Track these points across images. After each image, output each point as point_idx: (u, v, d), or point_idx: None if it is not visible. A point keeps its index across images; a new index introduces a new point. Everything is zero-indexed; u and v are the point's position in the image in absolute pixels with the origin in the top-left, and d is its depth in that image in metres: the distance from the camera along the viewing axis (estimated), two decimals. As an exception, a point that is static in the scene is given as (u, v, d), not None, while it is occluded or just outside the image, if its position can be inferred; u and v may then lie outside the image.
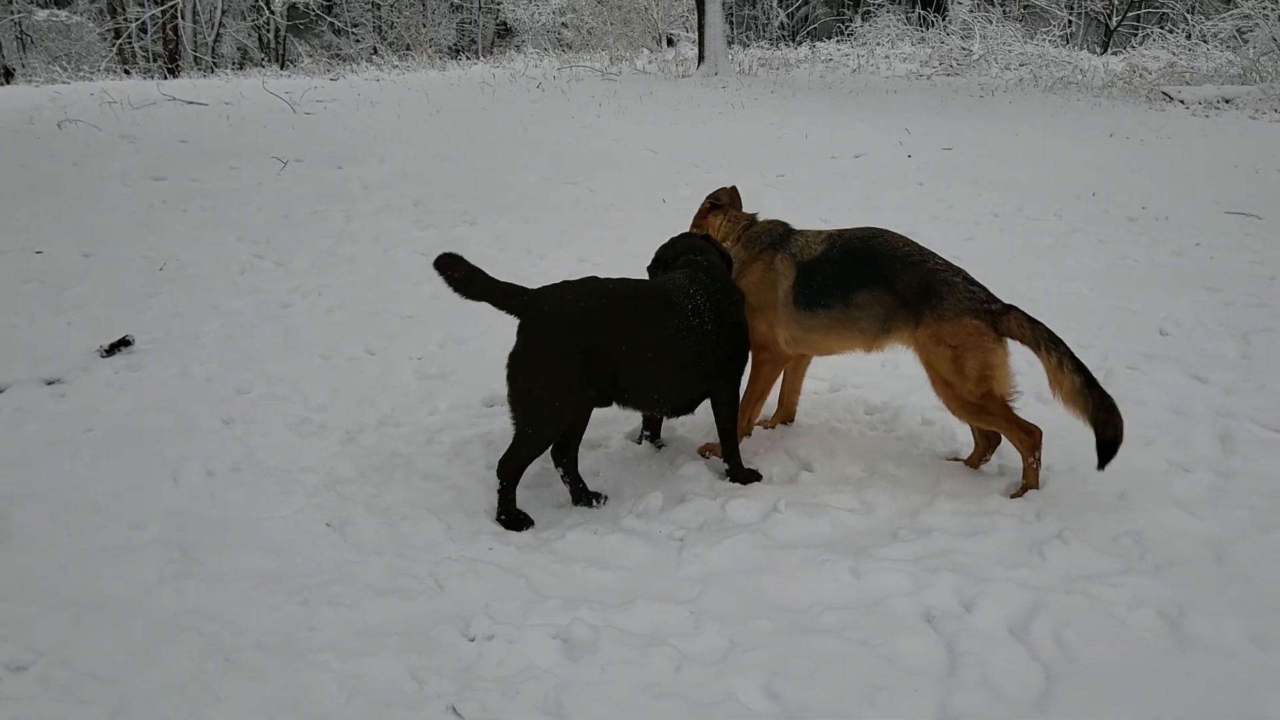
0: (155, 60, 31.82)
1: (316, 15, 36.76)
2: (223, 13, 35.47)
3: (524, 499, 3.95)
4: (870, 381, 5.10)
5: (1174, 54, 24.42)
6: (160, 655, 2.93)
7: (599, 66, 21.02)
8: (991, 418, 3.97)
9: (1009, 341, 3.93)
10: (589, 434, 4.46)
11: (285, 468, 4.10)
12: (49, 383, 4.81)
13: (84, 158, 10.13)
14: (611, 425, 4.62)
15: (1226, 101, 16.52)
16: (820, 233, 4.37)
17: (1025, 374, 4.16)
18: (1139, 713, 2.62)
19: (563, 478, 3.99)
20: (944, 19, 27.69)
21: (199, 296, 6.11)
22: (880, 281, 4.04)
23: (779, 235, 4.42)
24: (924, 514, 3.75)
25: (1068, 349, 3.80)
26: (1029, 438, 3.93)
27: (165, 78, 23.09)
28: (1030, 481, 3.95)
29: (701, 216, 4.73)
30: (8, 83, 24.64)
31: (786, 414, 4.64)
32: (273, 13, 34.17)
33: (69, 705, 2.68)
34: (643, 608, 3.16)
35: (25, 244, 6.95)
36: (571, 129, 12.56)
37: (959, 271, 4.05)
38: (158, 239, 7.29)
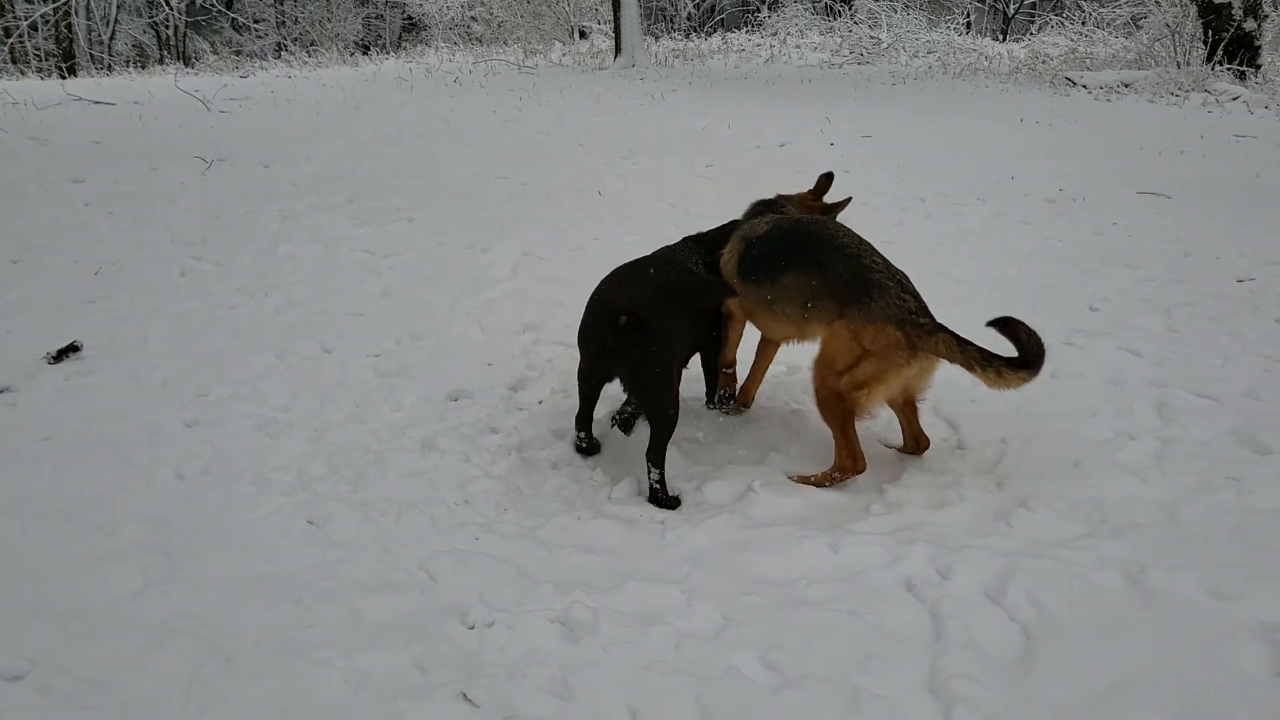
0: (49, 59, 30.75)
1: (217, 11, 35.88)
2: (118, 9, 34.40)
3: (502, 490, 4.01)
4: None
5: (1073, 40, 25.22)
6: (156, 659, 2.93)
7: (514, 60, 20.97)
8: (832, 420, 3.96)
9: (935, 361, 3.93)
10: (558, 425, 4.54)
11: (256, 468, 4.07)
12: (-3, 392, 4.71)
13: (-7, 161, 9.81)
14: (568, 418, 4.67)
15: (1126, 86, 17.15)
16: (767, 216, 4.49)
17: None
18: (1116, 665, 2.78)
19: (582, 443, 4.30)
20: (850, 8, 28.19)
21: (141, 300, 5.99)
22: (812, 266, 4.00)
23: (752, 213, 4.73)
24: (892, 489, 3.90)
25: (1001, 358, 3.80)
26: (852, 463, 3.94)
27: (62, 77, 22.35)
28: (819, 479, 3.98)
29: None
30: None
31: (745, 399, 4.73)
32: (171, 9, 33.27)
33: (74, 712, 2.67)
34: (634, 589, 3.24)
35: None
36: (495, 123, 12.54)
37: (895, 274, 3.99)
38: (87, 243, 7.12)
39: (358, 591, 3.26)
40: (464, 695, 2.75)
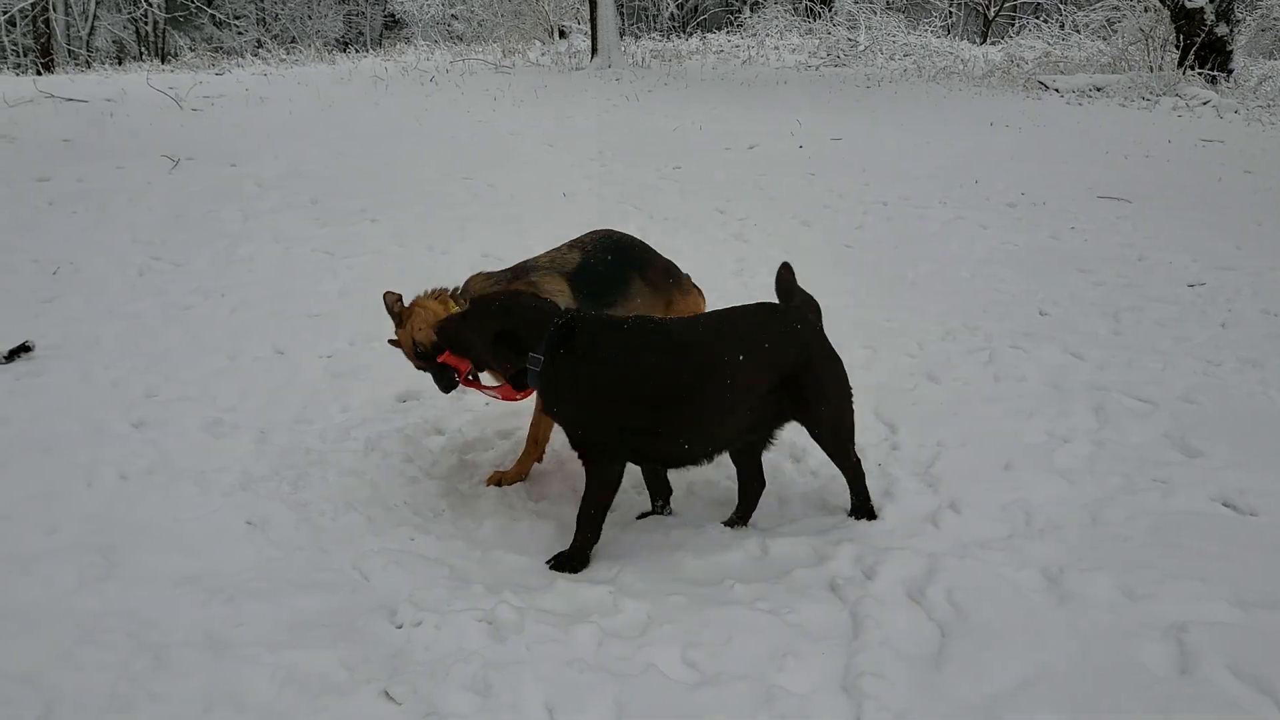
0: (26, 55, 30.60)
1: (197, 7, 35.74)
2: (97, 4, 34.26)
3: (440, 491, 4.05)
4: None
5: (1049, 44, 25.42)
6: (87, 656, 2.95)
7: (492, 59, 21.01)
8: None
9: None
10: (501, 426, 4.59)
11: (200, 469, 4.11)
12: (-53, 391, 4.73)
13: (-41, 159, 9.81)
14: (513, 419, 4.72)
15: (1098, 90, 17.30)
16: (556, 248, 4.34)
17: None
18: (1023, 662, 2.84)
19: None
20: (830, 10, 28.30)
21: (97, 300, 6.02)
22: (641, 273, 4.31)
23: (510, 271, 4.25)
24: (826, 491, 3.96)
25: None
26: None
27: (39, 73, 22.27)
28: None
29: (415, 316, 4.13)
30: None
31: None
32: (151, 5, 33.12)
33: (-1, 706, 2.70)
34: (564, 588, 3.30)
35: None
36: (467, 123, 12.58)
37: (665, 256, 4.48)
38: (48, 242, 7.14)
39: (290, 591, 3.30)
40: (386, 693, 2.79)
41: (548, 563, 3.51)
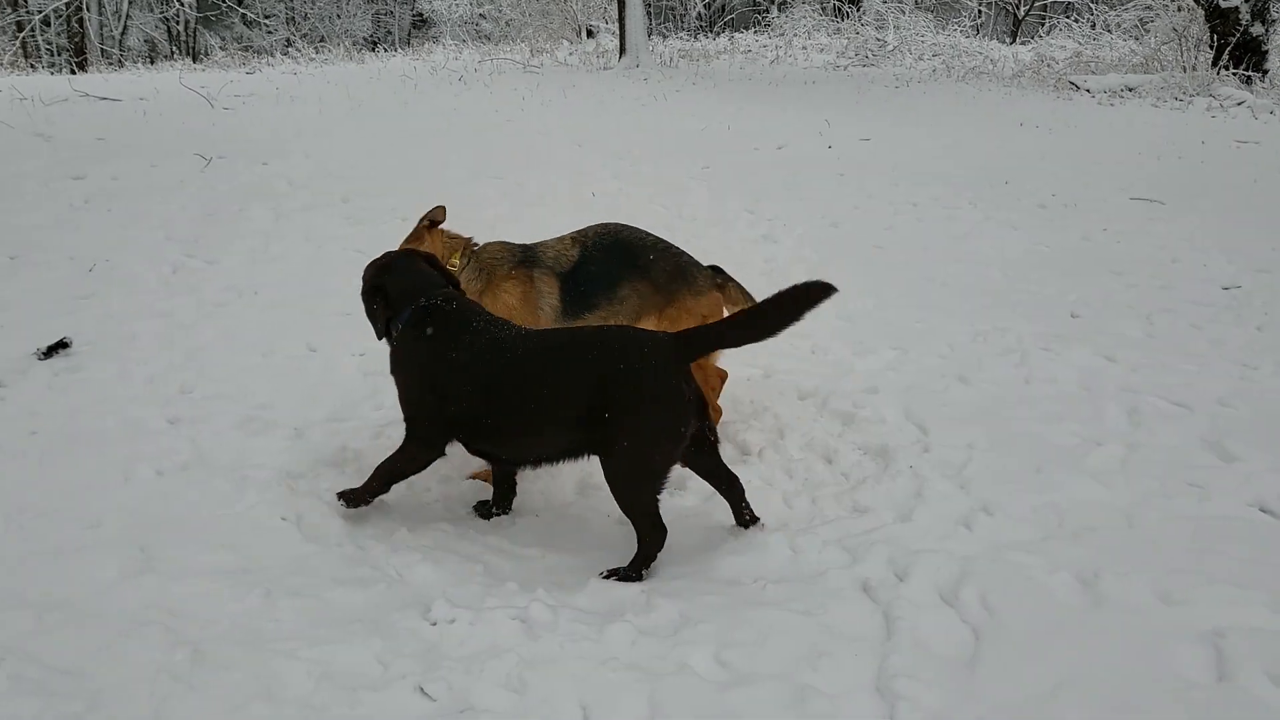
0: (61, 54, 30.95)
1: (227, 7, 36.03)
2: (129, 4, 34.61)
3: (477, 489, 4.08)
4: (801, 368, 5.30)
5: (1080, 44, 25.23)
6: (127, 650, 2.99)
7: (520, 59, 21.05)
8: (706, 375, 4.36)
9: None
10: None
11: (235, 465, 4.15)
12: (-12, 387, 4.80)
13: (-2, 157, 9.93)
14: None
15: (1130, 90, 17.16)
16: (561, 239, 4.45)
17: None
18: (1057, 665, 2.84)
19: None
20: (858, 10, 28.19)
21: (132, 297, 6.09)
22: (638, 272, 4.32)
23: (521, 253, 4.41)
24: (859, 492, 3.96)
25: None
26: (719, 378, 4.53)
27: (73, 72, 22.52)
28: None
29: (418, 237, 4.52)
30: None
31: None
32: (182, 4, 33.43)
33: (43, 699, 2.74)
34: (597, 586, 3.32)
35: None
36: (495, 123, 12.60)
37: (686, 253, 4.48)
38: (84, 239, 7.22)
39: (326, 585, 3.33)
40: (421, 689, 2.82)
41: (338, 495, 3.81)
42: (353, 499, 3.79)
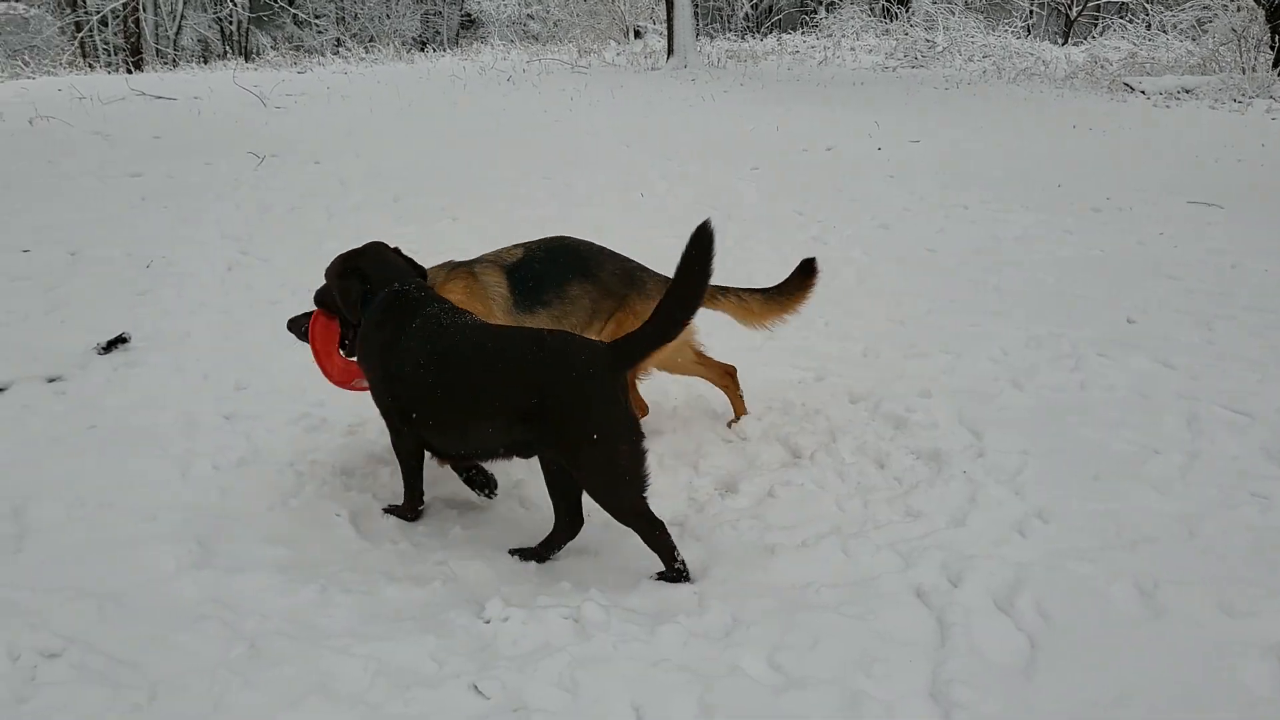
0: (117, 54, 31.48)
1: (279, 6, 36.48)
2: (184, 4, 35.14)
3: (532, 487, 4.10)
4: (853, 371, 5.26)
5: (1135, 44, 24.86)
6: (185, 641, 3.04)
7: (568, 59, 21.12)
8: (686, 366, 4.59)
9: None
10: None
11: (291, 461, 4.20)
12: (50, 380, 4.89)
13: (58, 155, 10.14)
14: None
15: (1187, 92, 16.89)
16: (504, 248, 4.51)
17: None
18: (1117, 677, 2.79)
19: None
20: (907, 11, 27.99)
21: (188, 293, 6.18)
22: (587, 275, 4.37)
23: (460, 261, 4.45)
24: (912, 497, 3.92)
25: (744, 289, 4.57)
26: (728, 374, 4.67)
27: (129, 71, 22.90)
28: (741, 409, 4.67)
29: None
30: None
31: None
32: (235, 5, 33.90)
33: (107, 689, 2.79)
34: (649, 587, 3.32)
35: (8, 243, 6.98)
36: (544, 123, 12.67)
37: (636, 261, 4.56)
38: (141, 236, 7.35)
39: (380, 581, 3.36)
40: (475, 687, 2.83)
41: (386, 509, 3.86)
42: (400, 511, 3.84)
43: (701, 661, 2.93)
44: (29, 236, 7.09)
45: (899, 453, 4.33)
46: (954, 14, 27.29)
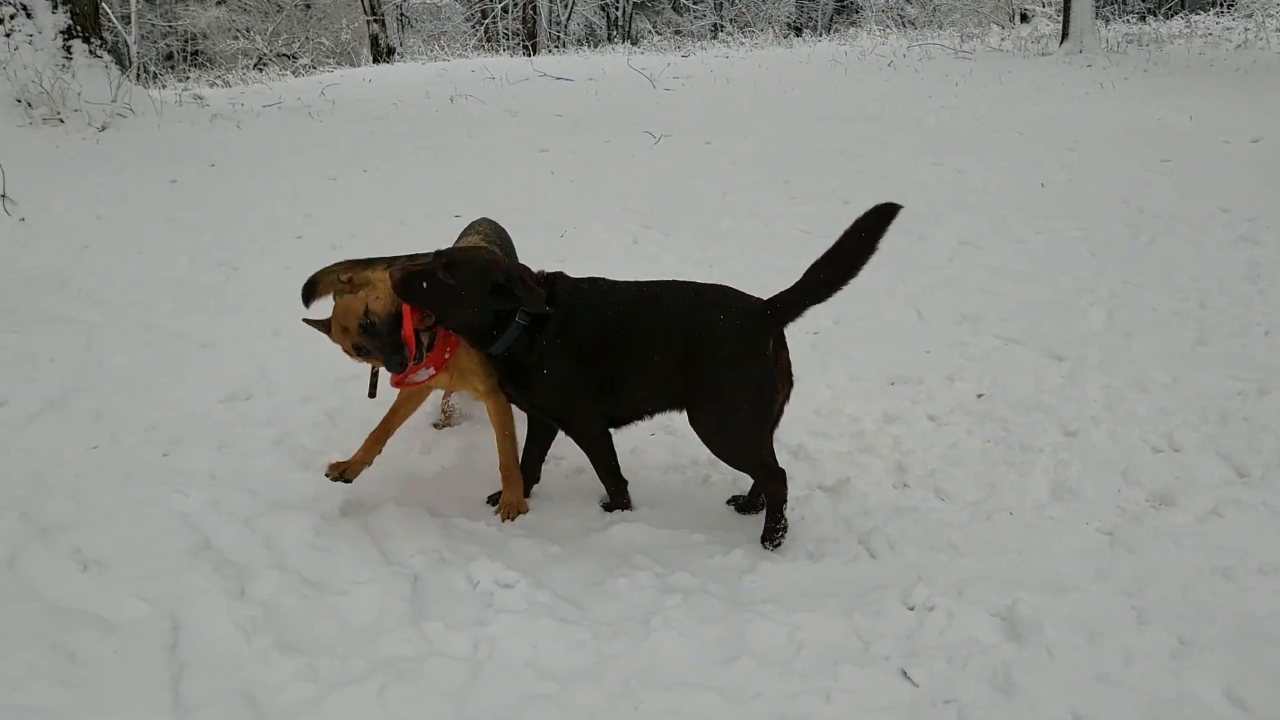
0: (514, 38, 33.99)
1: (662, -7, 37.92)
2: (577, -9, 37.36)
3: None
4: None
5: None
6: (615, 587, 3.24)
7: (950, 44, 20.42)
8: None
9: None
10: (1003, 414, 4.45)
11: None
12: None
13: (476, 130, 11.09)
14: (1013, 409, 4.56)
15: None
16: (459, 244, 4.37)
17: None
18: None
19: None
20: (1347, -13, 24.74)
21: (599, 261, 6.53)
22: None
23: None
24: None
25: None
26: None
27: (526, 54, 24.64)
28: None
29: None
30: (389, 61, 27.15)
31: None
32: (622, -9, 35.60)
33: (556, 622, 3.02)
34: (1077, 597, 3.14)
35: (441, 208, 7.70)
36: (930, 109, 12.31)
37: None
38: (552, 207, 7.87)
39: (801, 558, 3.43)
40: (904, 672, 2.80)
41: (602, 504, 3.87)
42: (617, 504, 3.85)
43: (1147, 681, 2.74)
44: (458, 204, 7.77)
45: None
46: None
